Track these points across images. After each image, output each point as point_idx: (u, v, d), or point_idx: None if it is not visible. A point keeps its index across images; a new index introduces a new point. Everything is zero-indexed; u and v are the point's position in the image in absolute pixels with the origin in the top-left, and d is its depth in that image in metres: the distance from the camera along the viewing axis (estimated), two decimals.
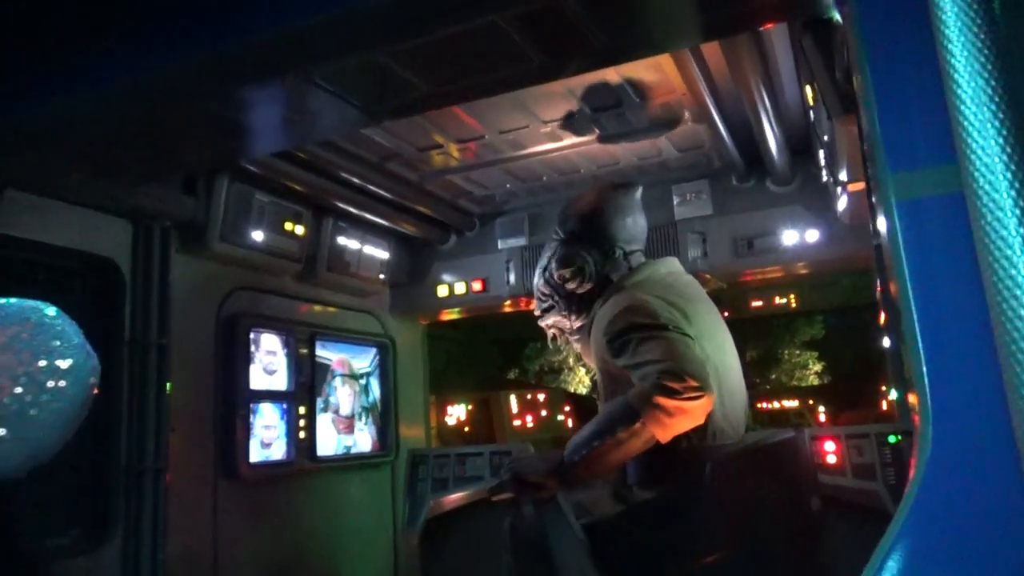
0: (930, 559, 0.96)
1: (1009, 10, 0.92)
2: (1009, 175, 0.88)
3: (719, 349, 2.40)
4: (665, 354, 2.13)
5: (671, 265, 2.62)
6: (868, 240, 3.76)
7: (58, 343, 1.02)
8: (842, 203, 3.55)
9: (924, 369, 0.98)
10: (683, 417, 2.06)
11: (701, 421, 2.11)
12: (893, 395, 3.84)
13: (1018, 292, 0.85)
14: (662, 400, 2.02)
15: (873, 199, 1.78)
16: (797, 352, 8.67)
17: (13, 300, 1.11)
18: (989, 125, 0.90)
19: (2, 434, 1.00)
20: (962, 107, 0.92)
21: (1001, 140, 0.89)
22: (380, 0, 1.87)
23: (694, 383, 2.04)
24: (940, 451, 0.95)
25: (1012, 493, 0.92)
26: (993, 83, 0.90)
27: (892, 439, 3.55)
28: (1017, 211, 0.86)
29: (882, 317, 3.80)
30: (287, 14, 2.06)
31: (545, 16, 2.06)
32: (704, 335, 2.34)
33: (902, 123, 1.07)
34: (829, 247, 4.03)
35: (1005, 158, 0.88)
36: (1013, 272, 0.85)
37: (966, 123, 0.91)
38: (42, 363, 1.01)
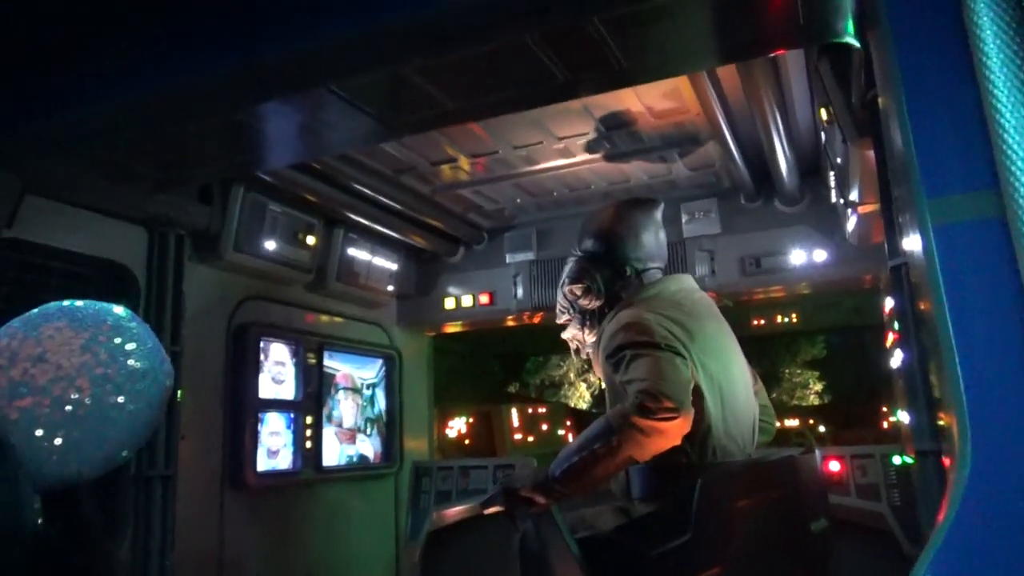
0: None
1: None
2: None
3: (725, 367, 2.39)
4: (648, 373, 2.15)
5: (682, 282, 2.62)
6: (875, 261, 3.85)
7: (134, 345, 1.04)
8: (851, 224, 3.59)
9: (962, 389, 1.00)
10: (658, 436, 2.07)
11: (677, 441, 2.13)
12: (901, 415, 3.85)
13: None
14: (637, 420, 2.05)
15: (899, 220, 1.81)
16: (798, 371, 8.63)
17: (87, 302, 1.13)
18: None
19: (80, 436, 1.01)
20: (1005, 135, 0.95)
21: None
22: (413, 18, 1.90)
23: (670, 404, 2.06)
24: (979, 472, 0.97)
25: None
26: None
27: (899, 459, 3.56)
28: None
29: (889, 338, 3.85)
30: (317, 28, 2.10)
31: (570, 36, 2.10)
32: (709, 352, 2.34)
33: (939, 149, 1.10)
34: (836, 267, 4.07)
35: None
36: None
37: (1009, 151, 0.94)
38: (120, 365, 1.02)
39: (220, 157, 2.95)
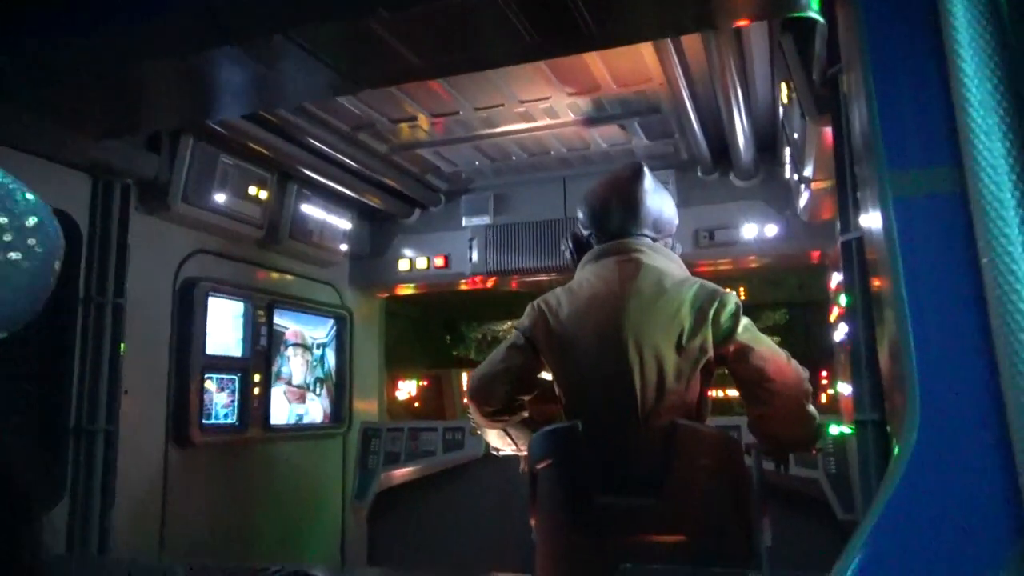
0: (909, 550, 1.01)
1: (1017, 14, 0.97)
2: (1014, 176, 0.93)
3: (589, 340, 2.29)
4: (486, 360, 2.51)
5: (601, 250, 2.44)
6: (823, 237, 3.94)
7: (21, 200, 0.92)
8: (803, 200, 3.66)
9: (914, 362, 1.03)
10: (472, 414, 2.50)
11: (477, 419, 2.50)
12: (841, 387, 3.98)
13: (1019, 287, 0.91)
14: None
15: (856, 196, 1.85)
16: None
17: None
18: (996, 128, 0.95)
19: None
20: (970, 109, 0.97)
21: (1008, 143, 0.94)
22: None
23: (469, 392, 2.48)
24: (925, 444, 1.00)
25: (997, 488, 0.97)
26: (1002, 88, 0.96)
27: (837, 429, 3.69)
28: (1021, 211, 0.92)
29: (835, 312, 3.96)
30: None
31: None
32: (580, 326, 2.31)
33: (903, 122, 1.12)
34: (786, 242, 4.16)
35: (1011, 160, 0.93)
36: (1015, 268, 0.91)
37: (974, 126, 0.96)
38: (5, 219, 0.91)
39: (171, 104, 2.84)
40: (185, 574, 2.17)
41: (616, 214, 2.44)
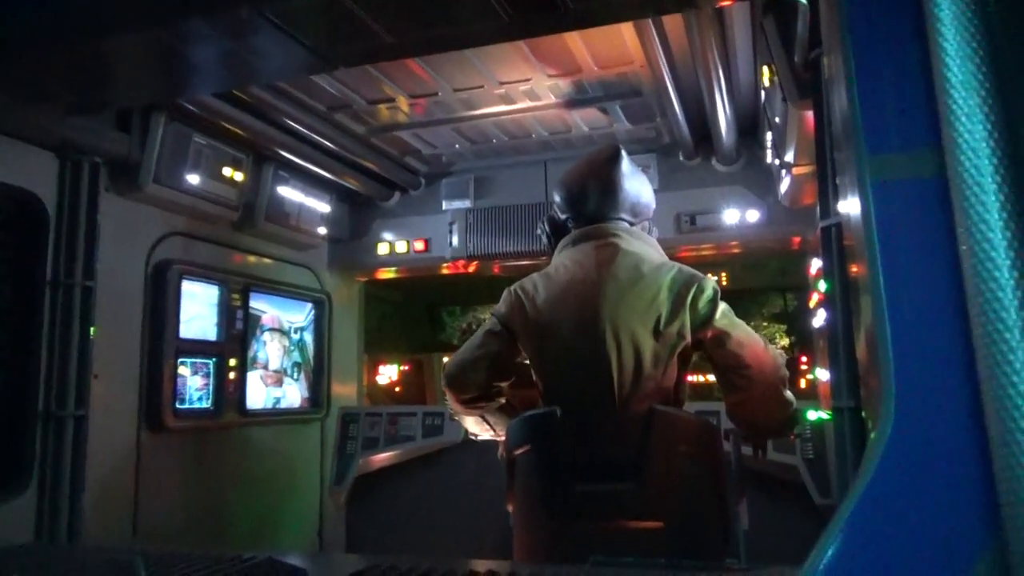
0: (886, 536, 1.00)
1: None
2: (995, 160, 0.91)
3: (566, 326, 2.26)
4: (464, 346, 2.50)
5: (578, 235, 2.41)
6: (804, 223, 3.93)
7: None
8: (784, 185, 3.65)
9: (890, 348, 1.01)
10: (449, 401, 2.50)
11: (454, 407, 2.51)
12: (820, 372, 3.99)
13: (997, 274, 0.88)
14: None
15: (835, 182, 1.83)
16: (765, 324, 8.35)
17: None
18: (978, 110, 0.92)
19: None
20: (951, 90, 0.94)
21: (989, 126, 0.92)
22: None
23: (445, 381, 2.46)
24: (901, 431, 0.99)
25: (973, 474, 0.96)
26: (984, 69, 0.93)
27: (815, 415, 3.70)
28: (1000, 196, 0.90)
29: (814, 298, 3.96)
30: None
31: None
32: (556, 312, 2.28)
33: (883, 105, 1.09)
34: (768, 228, 4.15)
35: (992, 143, 0.91)
36: (993, 255, 0.89)
37: (954, 106, 0.94)
38: None
39: (139, 81, 2.75)
40: (157, 562, 2.13)
41: (593, 197, 2.41)
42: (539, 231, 2.62)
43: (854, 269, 1.45)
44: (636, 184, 2.46)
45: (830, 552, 1.02)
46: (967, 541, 0.96)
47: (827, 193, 2.09)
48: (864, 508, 1.00)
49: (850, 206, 1.29)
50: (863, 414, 1.82)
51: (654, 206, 2.55)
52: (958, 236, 0.95)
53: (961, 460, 0.97)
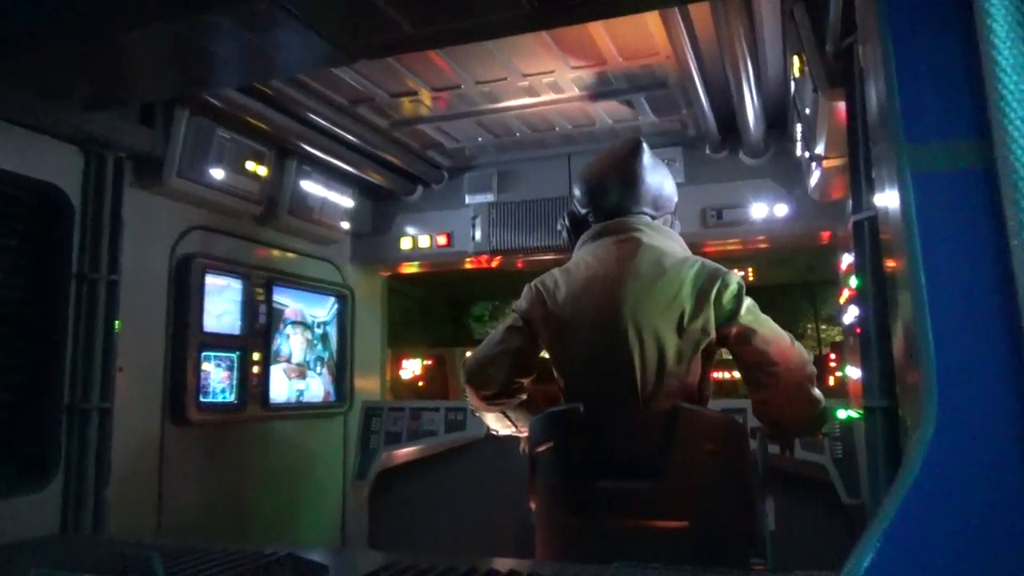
0: (930, 541, 0.95)
1: None
2: None
3: (587, 322, 2.21)
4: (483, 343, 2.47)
5: (598, 229, 2.37)
6: (834, 217, 3.84)
7: None
8: (814, 178, 3.56)
9: (932, 348, 0.95)
10: (470, 398, 2.47)
11: (474, 403, 2.47)
12: (851, 371, 3.90)
13: None
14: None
15: (870, 175, 1.76)
16: (823, 327, 7.78)
17: None
18: None
19: None
20: (1002, 75, 0.88)
21: None
22: None
23: (465, 377, 2.45)
24: (944, 434, 0.94)
25: (1021, 479, 0.90)
26: None
27: (844, 414, 3.61)
28: None
29: (844, 294, 3.87)
30: None
31: None
32: (577, 308, 2.23)
33: (924, 92, 1.03)
34: (797, 222, 4.06)
35: None
36: None
37: (1005, 92, 0.88)
38: None
39: (158, 74, 2.75)
40: (178, 556, 2.13)
41: (614, 191, 2.36)
42: (559, 226, 2.58)
43: (890, 264, 1.39)
44: (658, 177, 2.41)
45: (868, 560, 0.97)
46: (1016, 548, 0.91)
47: (860, 186, 2.02)
48: (905, 514, 0.95)
49: (887, 199, 1.23)
50: (898, 414, 1.76)
51: (676, 199, 2.49)
52: (1008, 230, 0.89)
53: (1008, 463, 0.91)
